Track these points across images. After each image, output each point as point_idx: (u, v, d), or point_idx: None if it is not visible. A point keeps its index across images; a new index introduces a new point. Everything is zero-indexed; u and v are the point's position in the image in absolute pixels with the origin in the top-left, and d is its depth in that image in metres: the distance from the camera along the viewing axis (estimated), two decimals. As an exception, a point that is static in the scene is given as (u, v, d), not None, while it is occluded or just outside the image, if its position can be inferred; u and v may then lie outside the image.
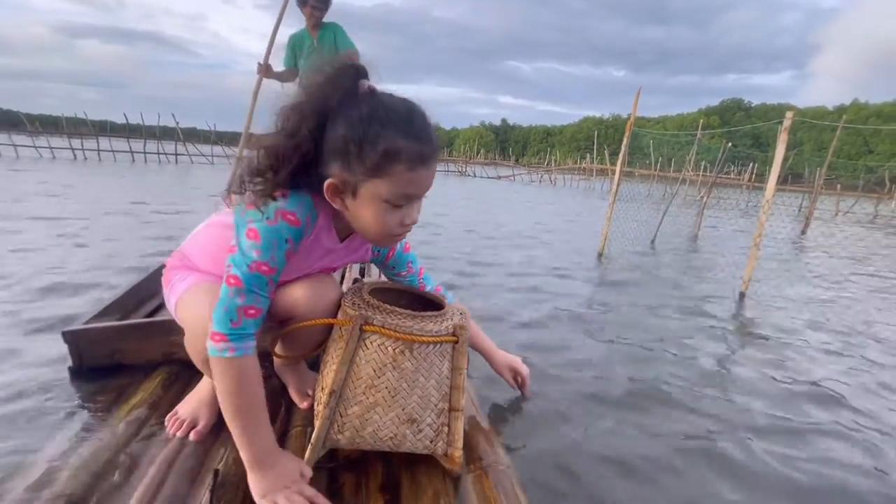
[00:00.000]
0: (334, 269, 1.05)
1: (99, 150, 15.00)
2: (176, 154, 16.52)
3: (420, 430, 0.92)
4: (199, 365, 0.91)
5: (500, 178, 20.77)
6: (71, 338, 1.23)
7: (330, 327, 0.98)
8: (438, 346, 0.92)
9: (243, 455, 0.78)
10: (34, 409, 1.15)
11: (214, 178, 10.79)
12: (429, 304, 1.10)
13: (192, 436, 0.96)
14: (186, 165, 15.55)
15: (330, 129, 0.75)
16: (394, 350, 0.89)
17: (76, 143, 14.85)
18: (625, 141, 4.64)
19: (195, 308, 0.87)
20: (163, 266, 1.05)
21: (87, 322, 1.29)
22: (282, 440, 0.98)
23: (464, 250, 4.21)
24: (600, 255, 4.69)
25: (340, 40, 3.29)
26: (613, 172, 5.30)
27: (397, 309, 0.94)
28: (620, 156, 4.93)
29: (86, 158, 14.38)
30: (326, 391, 0.89)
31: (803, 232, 8.72)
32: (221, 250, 0.82)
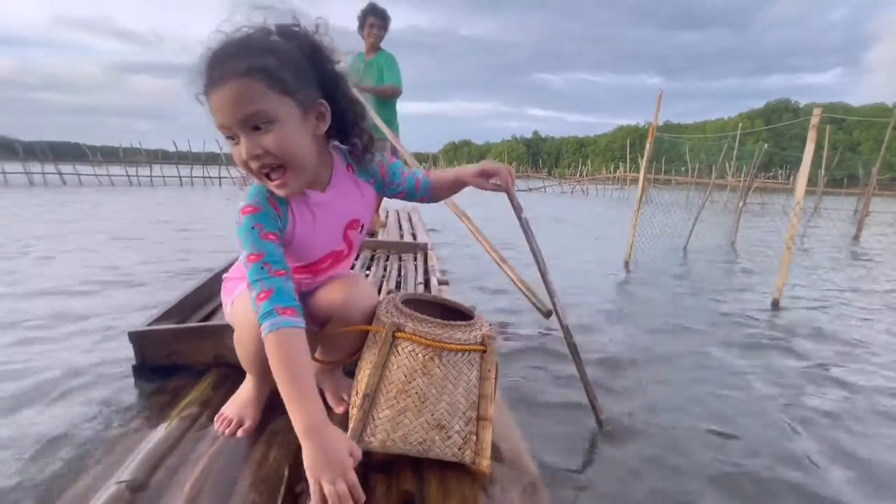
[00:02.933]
0: (355, 227, 1.04)
1: (152, 177, 16.11)
2: (220, 177, 17.48)
3: (448, 437, 0.95)
4: (244, 362, 0.99)
5: (530, 189, 20.67)
6: (135, 338, 1.36)
7: (366, 336, 1.04)
8: (467, 354, 0.95)
9: (296, 426, 0.78)
10: (103, 401, 1.32)
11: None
12: (460, 316, 1.13)
13: (239, 433, 1.03)
14: (229, 187, 16.45)
15: None
16: (424, 356, 0.92)
17: (132, 170, 16.01)
18: (648, 146, 4.58)
19: (242, 308, 0.95)
20: (215, 274, 1.15)
21: (149, 324, 1.41)
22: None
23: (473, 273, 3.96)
24: (626, 263, 4.58)
25: (388, 72, 3.32)
26: (647, 180, 5.18)
27: (428, 318, 0.98)
28: (643, 161, 4.86)
29: (140, 184, 15.47)
30: (360, 394, 0.94)
31: (856, 237, 8.25)
32: None
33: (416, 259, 2.81)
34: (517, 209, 1.37)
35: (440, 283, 2.45)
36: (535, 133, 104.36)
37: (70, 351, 1.80)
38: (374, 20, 3.24)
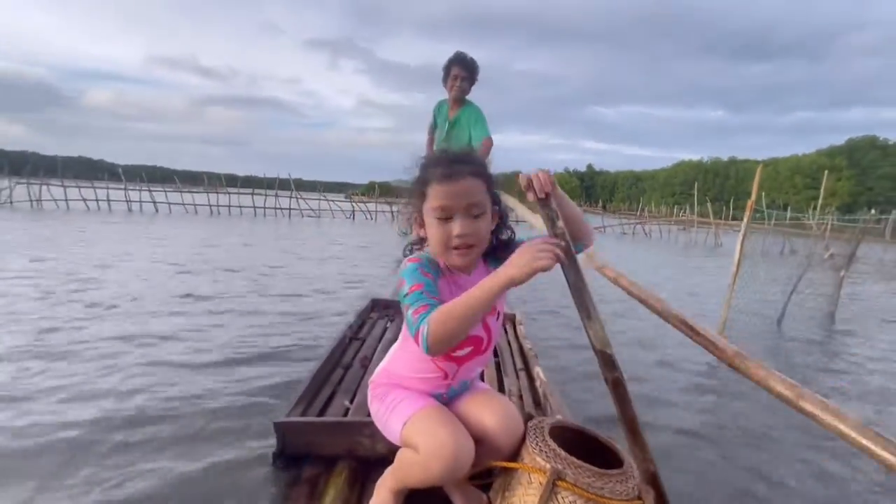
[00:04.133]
0: (493, 314, 1.12)
1: (230, 206, 17.49)
2: (290, 209, 18.64)
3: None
4: (427, 484, 1.02)
5: (589, 228, 20.26)
6: (278, 427, 1.47)
7: (511, 457, 1.06)
8: (626, 506, 0.95)
9: (490, 291, 0.90)
10: (247, 486, 1.44)
11: (325, 230, 11.94)
12: (606, 450, 1.12)
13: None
14: (297, 219, 17.48)
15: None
16: (586, 508, 0.93)
17: (213, 198, 17.49)
18: (747, 214, 4.17)
19: (429, 434, 0.99)
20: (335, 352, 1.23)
21: (288, 415, 1.52)
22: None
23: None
24: (720, 333, 4.27)
25: (476, 127, 3.13)
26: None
27: (585, 465, 0.98)
28: (746, 214, 4.15)
29: (219, 213, 16.81)
30: (520, 540, 0.95)
31: None
32: (421, 361, 1.06)
33: (506, 331, 2.84)
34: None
35: (532, 353, 2.50)
36: (590, 166, 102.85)
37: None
38: (460, 71, 2.94)
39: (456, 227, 1.00)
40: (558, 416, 1.47)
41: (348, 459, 1.44)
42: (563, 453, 1.00)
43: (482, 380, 1.33)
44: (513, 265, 0.89)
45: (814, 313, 5.25)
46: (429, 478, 0.98)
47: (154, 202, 16.53)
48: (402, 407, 1.08)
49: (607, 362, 1.08)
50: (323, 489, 1.32)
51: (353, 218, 19.31)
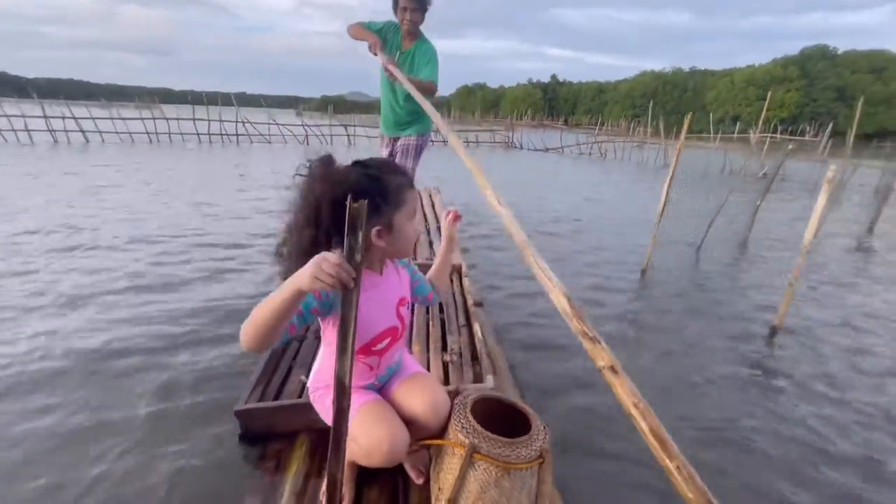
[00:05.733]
0: (403, 304, 1.29)
1: (170, 133, 16.15)
2: (237, 134, 17.43)
3: (513, 527, 1.24)
4: (361, 461, 1.26)
5: (547, 150, 20.29)
6: (238, 415, 1.66)
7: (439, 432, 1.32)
8: (530, 469, 1.22)
9: (281, 293, 0.88)
10: (221, 464, 1.65)
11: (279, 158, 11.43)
12: (520, 416, 1.38)
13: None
14: (246, 145, 16.45)
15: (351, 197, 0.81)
16: (496, 473, 1.19)
17: (150, 124, 16.01)
18: (673, 163, 4.35)
19: (366, 433, 1.20)
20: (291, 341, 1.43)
21: (246, 401, 1.70)
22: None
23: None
24: (643, 272, 4.42)
25: (425, 69, 3.03)
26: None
27: (497, 437, 1.23)
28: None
29: (159, 141, 15.54)
30: (444, 497, 1.22)
31: (870, 229, 7.15)
32: None
33: (451, 281, 3.04)
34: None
35: (476, 304, 2.75)
36: (553, 77, 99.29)
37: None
38: (408, 3, 2.81)
39: (416, 223, 1.19)
40: (482, 387, 1.73)
41: (308, 433, 1.66)
42: (479, 428, 1.24)
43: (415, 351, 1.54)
44: (302, 276, 0.84)
45: (729, 237, 5.96)
46: (371, 463, 1.21)
47: (82, 130, 14.97)
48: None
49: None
50: (287, 462, 1.55)
51: (307, 143, 18.39)
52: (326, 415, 1.32)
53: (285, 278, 0.90)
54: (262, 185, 8.03)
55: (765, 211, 6.16)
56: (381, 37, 3.01)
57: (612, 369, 1.02)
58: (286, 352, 2.09)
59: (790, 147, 6.46)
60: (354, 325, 0.86)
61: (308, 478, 1.49)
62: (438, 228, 4.44)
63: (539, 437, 1.27)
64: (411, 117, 3.31)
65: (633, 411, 0.94)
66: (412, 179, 1.19)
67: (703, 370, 2.70)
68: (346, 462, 1.38)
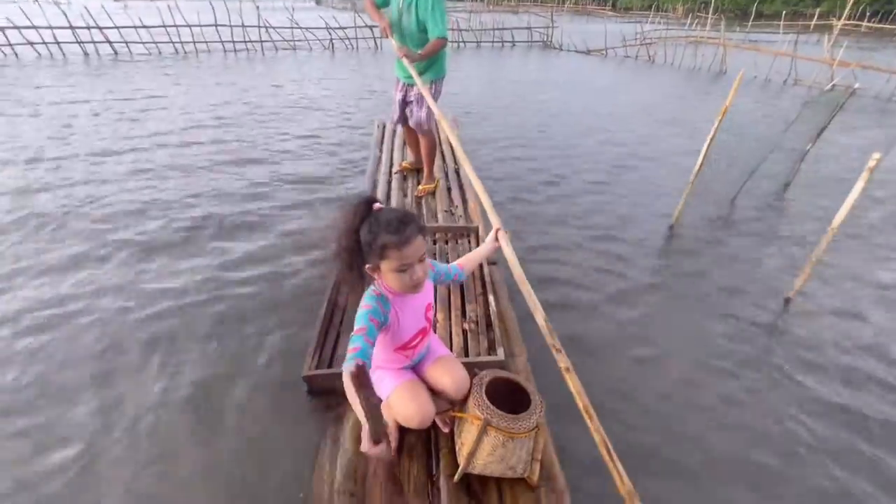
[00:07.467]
0: (430, 309, 1.70)
1: (195, 42, 15.76)
2: (261, 41, 16.81)
3: (516, 470, 1.72)
4: (393, 421, 1.76)
5: (589, 52, 18.61)
6: (306, 379, 2.18)
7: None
8: (528, 436, 1.65)
9: (356, 408, 1.27)
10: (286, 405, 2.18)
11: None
12: (525, 394, 1.79)
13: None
14: (271, 53, 15.96)
15: (361, 236, 1.39)
16: (503, 439, 1.64)
17: (173, 32, 15.62)
18: (716, 124, 3.74)
19: (402, 408, 1.69)
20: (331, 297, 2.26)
21: (308, 368, 2.20)
22: (435, 456, 1.84)
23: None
24: (671, 227, 4.15)
25: (431, 17, 3.01)
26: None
27: (504, 414, 1.66)
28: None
29: (185, 53, 15.27)
30: (465, 451, 1.69)
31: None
32: (388, 353, 1.67)
33: (469, 242, 3.31)
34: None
35: (490, 262, 3.04)
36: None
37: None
38: None
39: (414, 273, 1.43)
40: (493, 360, 2.15)
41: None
42: (491, 407, 1.67)
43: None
44: (363, 439, 1.31)
45: (769, 185, 5.19)
46: (408, 426, 1.69)
47: (109, 42, 14.83)
48: (383, 386, 1.74)
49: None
50: (345, 414, 2.06)
51: (333, 50, 17.58)
52: (376, 389, 1.77)
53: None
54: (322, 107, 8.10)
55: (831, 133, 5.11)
56: None
57: (567, 369, 1.52)
58: (333, 319, 2.53)
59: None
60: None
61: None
62: (457, 170, 4.56)
63: (536, 412, 1.70)
64: (425, 64, 3.33)
65: (578, 400, 1.39)
66: (408, 238, 1.36)
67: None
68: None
